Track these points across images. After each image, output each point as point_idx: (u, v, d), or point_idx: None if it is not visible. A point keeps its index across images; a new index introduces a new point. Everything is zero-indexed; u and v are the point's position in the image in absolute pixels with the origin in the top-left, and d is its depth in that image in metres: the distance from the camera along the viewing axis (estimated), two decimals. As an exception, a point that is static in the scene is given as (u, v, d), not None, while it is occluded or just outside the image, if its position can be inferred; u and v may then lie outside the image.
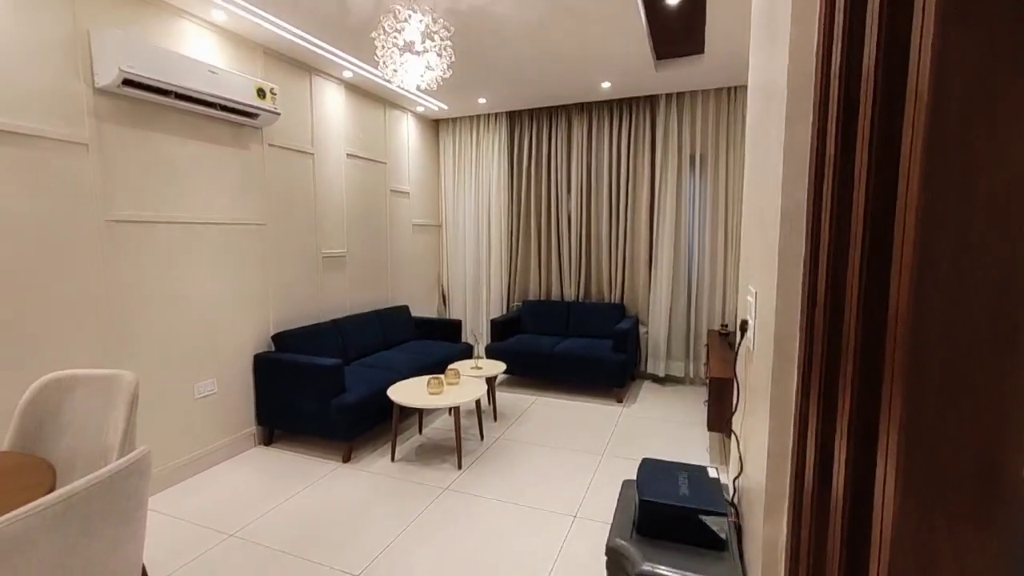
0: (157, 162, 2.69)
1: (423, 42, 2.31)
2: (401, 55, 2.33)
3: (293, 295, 3.59)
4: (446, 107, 4.89)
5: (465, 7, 2.79)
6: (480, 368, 3.66)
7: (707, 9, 2.88)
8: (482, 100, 4.65)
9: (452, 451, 3.15)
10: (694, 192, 4.44)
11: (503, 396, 4.22)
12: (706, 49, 3.44)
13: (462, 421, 3.66)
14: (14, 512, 0.87)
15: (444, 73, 2.48)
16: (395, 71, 2.40)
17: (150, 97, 2.54)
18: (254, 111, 3.03)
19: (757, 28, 1.41)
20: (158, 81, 2.49)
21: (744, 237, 1.49)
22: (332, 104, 3.90)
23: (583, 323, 4.68)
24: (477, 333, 5.33)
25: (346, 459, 3.03)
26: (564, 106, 4.79)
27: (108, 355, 2.48)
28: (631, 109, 4.52)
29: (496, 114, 5.10)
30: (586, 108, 4.70)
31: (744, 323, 1.28)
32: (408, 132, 4.92)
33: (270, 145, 3.36)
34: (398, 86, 2.49)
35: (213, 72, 2.75)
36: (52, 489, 1.27)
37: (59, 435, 1.78)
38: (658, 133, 4.42)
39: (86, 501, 0.99)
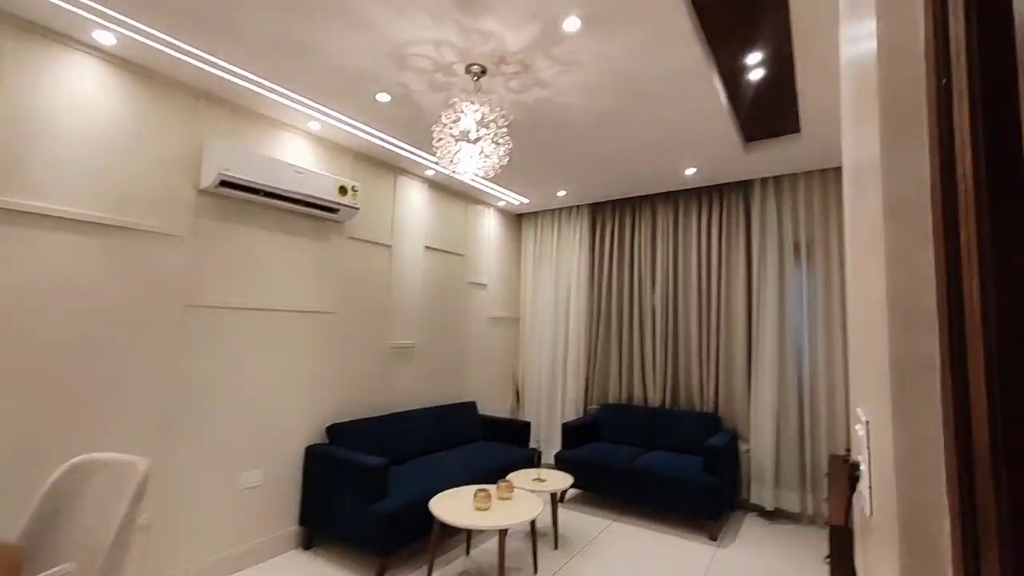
0: (241, 252, 2.88)
1: (477, 130, 2.30)
2: (456, 143, 2.32)
3: (356, 385, 3.53)
4: (527, 201, 4.94)
5: (532, 100, 2.81)
6: (543, 480, 3.19)
7: (797, 84, 2.60)
8: (562, 193, 4.63)
9: (500, 583, 2.65)
10: (800, 286, 3.81)
11: (570, 516, 3.62)
12: (802, 128, 3.10)
13: (518, 545, 3.14)
14: None
15: (501, 161, 2.42)
16: (451, 160, 2.39)
17: (242, 195, 2.79)
18: (335, 206, 3.21)
19: (847, 104, 1.11)
20: (249, 181, 2.74)
21: (851, 340, 1.07)
22: (415, 200, 4.09)
23: (669, 434, 4.03)
24: (547, 438, 4.84)
25: (379, 577, 2.67)
26: (648, 196, 4.59)
27: (159, 435, 2.50)
28: (721, 196, 4.18)
29: (577, 206, 5.04)
30: (671, 197, 4.45)
31: (854, 468, 0.84)
32: (490, 226, 5.01)
33: (349, 238, 3.53)
34: (452, 173, 2.47)
35: (299, 172, 2.99)
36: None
37: (70, 524, 1.71)
38: (754, 221, 3.99)
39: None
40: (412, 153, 3.65)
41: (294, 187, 2.96)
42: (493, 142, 2.34)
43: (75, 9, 2.05)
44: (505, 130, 2.35)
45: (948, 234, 0.46)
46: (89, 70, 2.31)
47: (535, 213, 5.38)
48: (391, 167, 3.88)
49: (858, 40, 0.82)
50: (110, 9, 2.07)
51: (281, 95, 2.80)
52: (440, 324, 4.31)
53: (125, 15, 2.11)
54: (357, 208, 3.33)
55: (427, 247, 4.21)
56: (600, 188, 4.45)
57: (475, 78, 2.50)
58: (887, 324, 0.57)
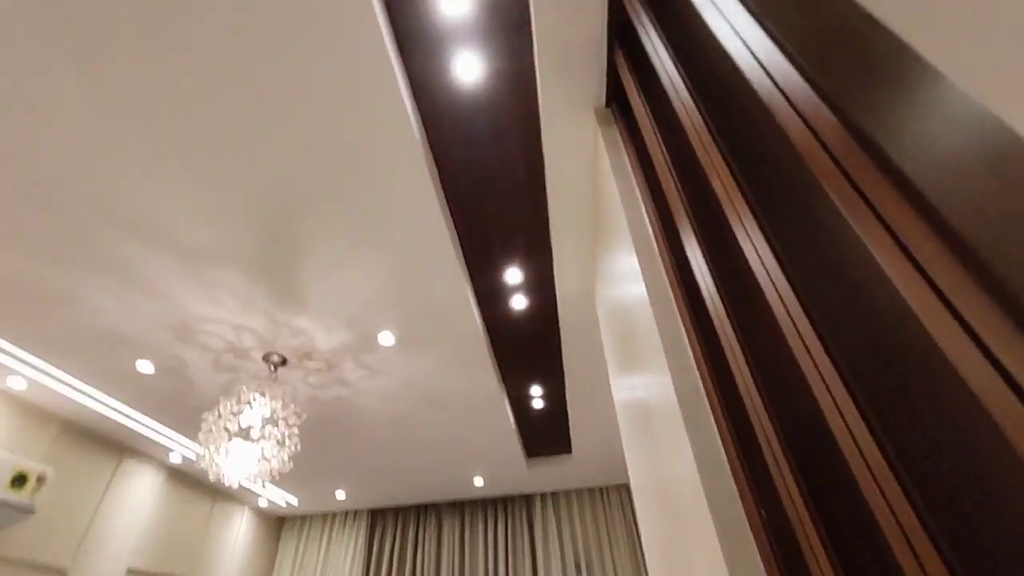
0: None
1: (263, 427, 1.97)
2: (230, 439, 1.92)
3: None
4: (295, 501, 4.15)
5: (330, 397, 2.65)
6: None
7: (569, 415, 3.04)
8: (341, 495, 4.05)
9: None
10: (587, 615, 3.63)
11: None
12: (573, 451, 3.49)
13: None
14: None
15: (283, 467, 2.05)
16: (214, 460, 1.93)
17: None
18: (-8, 505, 2.16)
19: (631, 433, 1.30)
20: None
21: None
22: (140, 492, 3.06)
23: None
24: None
25: None
26: (434, 504, 4.30)
27: None
28: (507, 508, 4.15)
29: (356, 511, 4.40)
30: (458, 506, 4.25)
31: None
32: (239, 531, 3.92)
33: (-6, 555, 2.30)
34: (216, 477, 1.96)
35: (-48, 450, 2.04)
36: None
37: None
38: (537, 534, 3.95)
39: None
40: (157, 432, 2.92)
41: (-71, 472, 1.96)
42: (278, 442, 2.01)
43: None
44: (296, 430, 2.07)
45: None
46: None
47: (303, 517, 4.49)
48: (116, 447, 2.99)
49: (646, 389, 0.97)
50: None
51: (-15, 345, 2.12)
52: None
53: None
54: (31, 511, 2.30)
55: (131, 570, 2.96)
56: (385, 492, 4.05)
57: (272, 368, 2.31)
58: None
